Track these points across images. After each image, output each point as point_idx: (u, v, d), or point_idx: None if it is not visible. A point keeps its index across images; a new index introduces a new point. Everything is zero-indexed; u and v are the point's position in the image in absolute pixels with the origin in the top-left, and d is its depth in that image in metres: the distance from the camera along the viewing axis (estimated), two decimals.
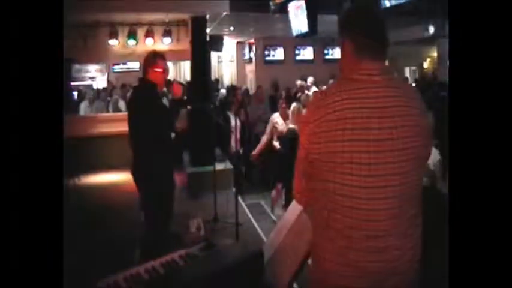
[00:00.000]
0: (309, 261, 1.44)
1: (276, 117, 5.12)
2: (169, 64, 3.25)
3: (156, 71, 3.01)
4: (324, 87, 1.51)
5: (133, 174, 3.04)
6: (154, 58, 3.04)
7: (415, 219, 1.27)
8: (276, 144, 5.05)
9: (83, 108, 8.20)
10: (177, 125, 3.12)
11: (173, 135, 3.23)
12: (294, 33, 5.71)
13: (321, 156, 1.19)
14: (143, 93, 3.05)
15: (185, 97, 3.16)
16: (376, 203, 1.18)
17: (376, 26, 1.29)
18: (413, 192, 1.25)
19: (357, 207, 1.19)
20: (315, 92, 1.28)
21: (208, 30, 6.99)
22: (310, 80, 8.49)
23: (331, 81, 7.46)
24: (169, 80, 3.24)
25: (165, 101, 3.24)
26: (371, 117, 1.17)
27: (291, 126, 4.74)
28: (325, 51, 11.84)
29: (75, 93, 9.91)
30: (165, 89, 3.20)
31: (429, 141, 1.30)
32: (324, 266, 1.26)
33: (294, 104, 5.05)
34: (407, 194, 1.22)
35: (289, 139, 4.74)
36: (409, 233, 1.24)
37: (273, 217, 4.92)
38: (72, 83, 10.94)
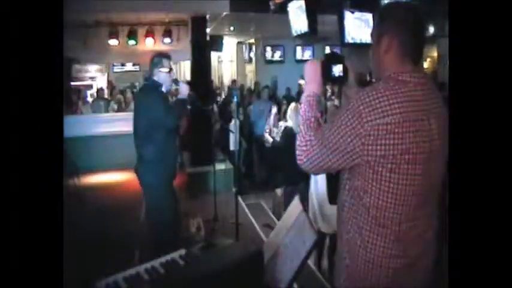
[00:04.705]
0: (309, 262, 1.44)
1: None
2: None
3: (161, 71, 3.07)
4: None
5: (136, 172, 3.07)
6: (159, 58, 3.09)
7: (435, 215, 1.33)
8: (269, 137, 5.04)
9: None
10: (181, 123, 3.14)
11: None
12: (294, 33, 5.69)
13: (377, 158, 1.18)
14: (148, 93, 3.10)
15: (190, 94, 3.21)
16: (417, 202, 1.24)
17: (423, 25, 1.29)
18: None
19: (403, 204, 1.22)
20: (363, 91, 1.26)
21: (208, 30, 6.99)
22: None
23: None
24: (176, 79, 3.28)
25: (170, 100, 3.28)
26: (423, 119, 1.20)
27: (289, 124, 4.75)
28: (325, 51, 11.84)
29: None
30: (173, 86, 3.25)
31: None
32: (376, 261, 1.26)
33: (293, 103, 5.06)
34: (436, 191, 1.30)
35: (288, 137, 4.76)
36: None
37: (273, 217, 4.92)
38: (72, 83, 10.96)
